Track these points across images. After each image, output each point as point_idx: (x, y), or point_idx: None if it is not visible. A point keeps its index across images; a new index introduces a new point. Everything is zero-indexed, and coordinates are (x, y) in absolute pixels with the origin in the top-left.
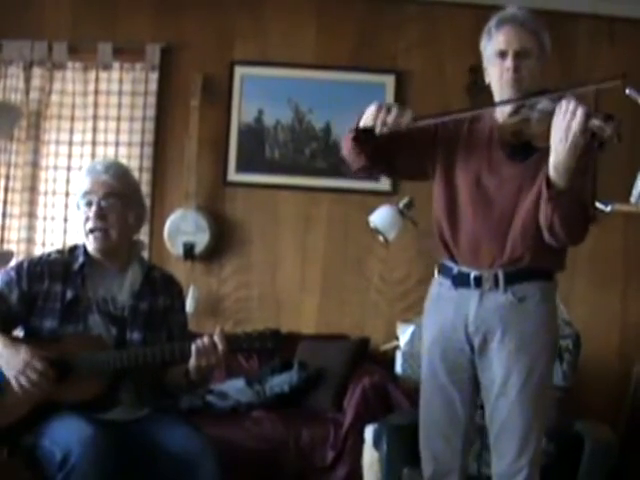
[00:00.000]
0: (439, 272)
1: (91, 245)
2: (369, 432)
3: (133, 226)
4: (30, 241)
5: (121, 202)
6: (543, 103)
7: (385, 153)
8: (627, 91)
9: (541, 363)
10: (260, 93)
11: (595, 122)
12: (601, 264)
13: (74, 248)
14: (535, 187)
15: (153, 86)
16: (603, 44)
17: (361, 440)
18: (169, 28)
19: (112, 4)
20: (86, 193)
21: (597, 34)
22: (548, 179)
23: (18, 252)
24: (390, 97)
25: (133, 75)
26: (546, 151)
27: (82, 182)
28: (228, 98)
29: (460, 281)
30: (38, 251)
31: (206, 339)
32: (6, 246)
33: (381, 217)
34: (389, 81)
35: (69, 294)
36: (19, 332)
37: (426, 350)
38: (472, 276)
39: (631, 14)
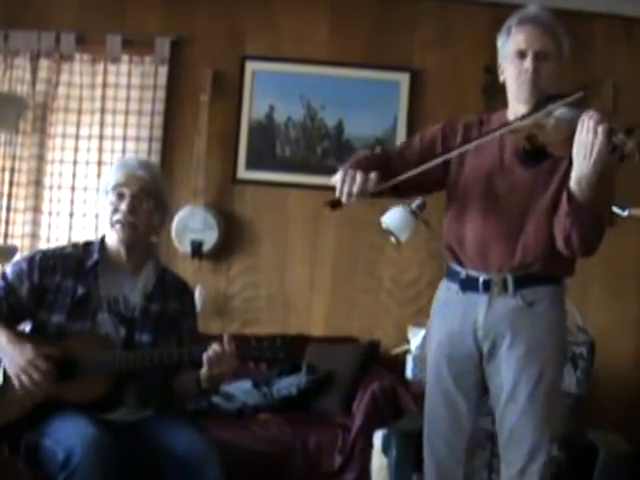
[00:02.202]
0: (446, 276)
1: (116, 235)
2: (378, 437)
3: (156, 227)
4: (35, 236)
5: (153, 200)
6: (560, 110)
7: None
8: None
9: (551, 368)
10: (271, 89)
11: (619, 136)
12: (617, 269)
13: (89, 244)
14: (548, 194)
15: (162, 80)
16: (620, 44)
17: (370, 445)
18: (179, 21)
19: None
20: (119, 185)
21: (614, 34)
22: (569, 193)
23: (22, 247)
24: (405, 95)
25: (142, 68)
26: (561, 160)
27: (114, 174)
28: (238, 94)
29: (468, 285)
30: (42, 247)
31: (217, 347)
32: (10, 241)
33: (393, 218)
34: (404, 79)
35: (80, 290)
36: (26, 326)
37: (432, 355)
38: (481, 280)
39: None
